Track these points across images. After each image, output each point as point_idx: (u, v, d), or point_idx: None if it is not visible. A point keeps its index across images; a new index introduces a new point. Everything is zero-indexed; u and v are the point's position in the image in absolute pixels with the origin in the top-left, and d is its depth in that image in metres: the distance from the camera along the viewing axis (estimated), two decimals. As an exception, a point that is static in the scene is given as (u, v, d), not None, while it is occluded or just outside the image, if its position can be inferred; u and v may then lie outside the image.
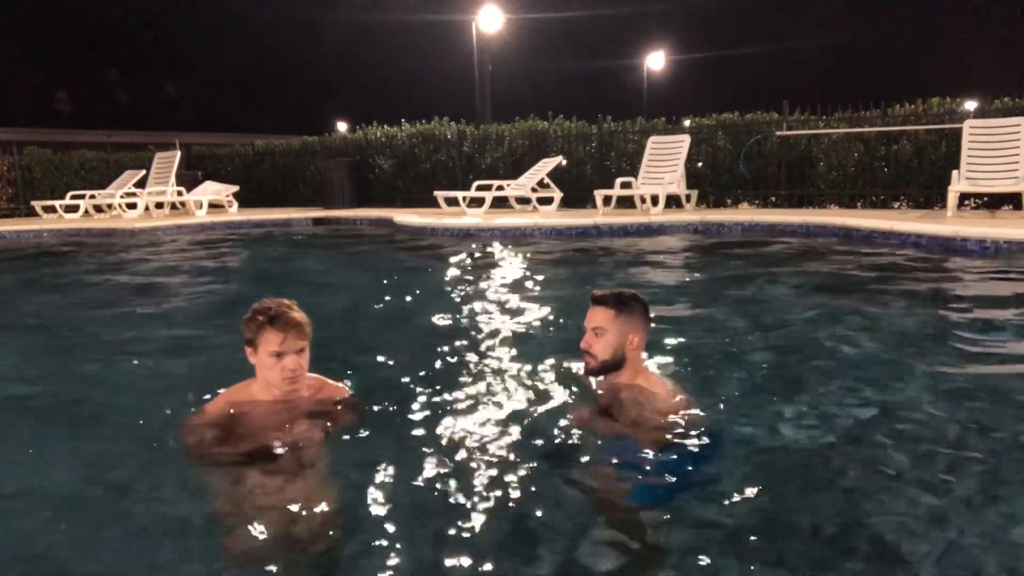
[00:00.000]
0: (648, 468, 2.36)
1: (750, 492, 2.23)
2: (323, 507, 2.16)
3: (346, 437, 2.62)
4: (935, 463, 2.42)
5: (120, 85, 38.40)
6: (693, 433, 2.51)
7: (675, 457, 2.38)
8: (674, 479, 2.29)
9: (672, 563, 1.94)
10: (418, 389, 3.12)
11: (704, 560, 1.90)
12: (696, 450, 2.42)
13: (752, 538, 2.00)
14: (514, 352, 3.72)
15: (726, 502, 2.18)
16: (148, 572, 1.96)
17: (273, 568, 1.93)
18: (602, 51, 44.81)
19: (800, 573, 1.87)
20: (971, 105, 10.56)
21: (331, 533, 2.08)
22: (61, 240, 11.21)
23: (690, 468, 2.35)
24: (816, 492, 2.27)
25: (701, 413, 2.66)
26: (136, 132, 28.01)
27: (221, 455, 2.42)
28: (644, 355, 2.78)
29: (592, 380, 2.77)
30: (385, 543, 2.01)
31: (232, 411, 2.56)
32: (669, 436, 2.47)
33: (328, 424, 2.63)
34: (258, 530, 2.06)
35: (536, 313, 4.73)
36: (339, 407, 2.72)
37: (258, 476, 2.34)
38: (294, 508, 2.15)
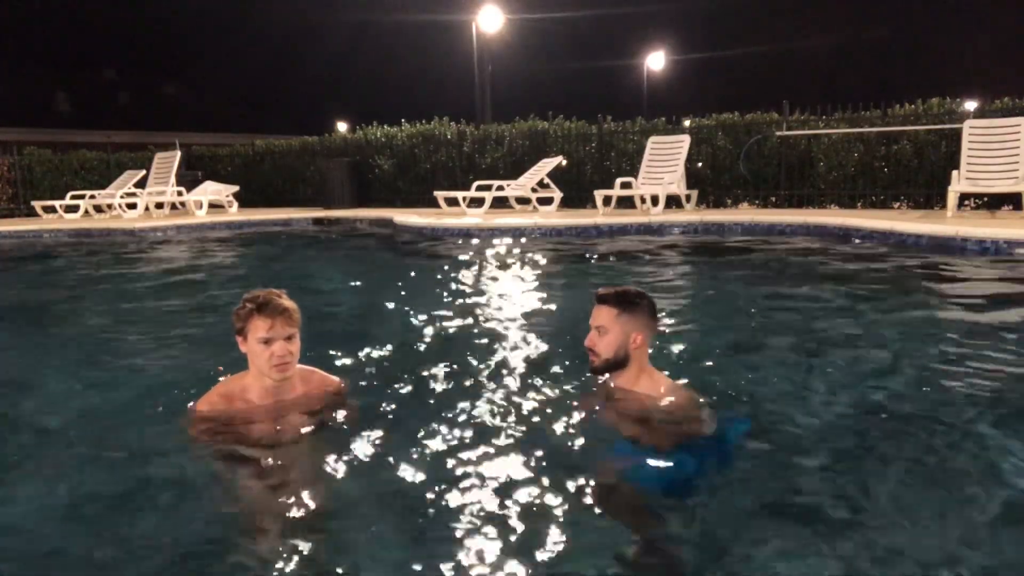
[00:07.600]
0: (652, 465, 2.37)
1: (754, 487, 2.24)
2: (316, 498, 2.16)
3: (342, 429, 2.63)
4: (934, 460, 2.42)
5: (120, 85, 38.34)
6: (696, 430, 2.52)
7: (679, 454, 2.39)
8: (678, 475, 2.30)
9: (676, 559, 1.94)
10: (417, 387, 3.13)
11: (709, 556, 1.91)
12: (700, 447, 2.43)
13: (758, 533, 2.00)
14: (513, 351, 3.73)
15: (730, 498, 2.19)
16: (146, 563, 1.96)
17: (265, 556, 1.93)
18: (602, 51, 44.92)
19: (808, 568, 1.87)
20: (971, 105, 10.57)
21: (324, 524, 2.08)
22: (61, 240, 11.21)
23: (694, 464, 2.36)
24: (823, 486, 2.27)
25: (705, 410, 2.66)
26: (136, 132, 28.00)
27: (215, 446, 2.42)
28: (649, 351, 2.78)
29: (597, 378, 2.78)
30: (378, 536, 2.02)
31: (226, 402, 2.57)
32: (673, 433, 2.48)
33: (323, 415, 2.64)
34: (251, 520, 2.06)
35: (535, 313, 4.73)
36: (334, 398, 2.73)
37: (251, 466, 2.35)
38: (287, 498, 2.15)
